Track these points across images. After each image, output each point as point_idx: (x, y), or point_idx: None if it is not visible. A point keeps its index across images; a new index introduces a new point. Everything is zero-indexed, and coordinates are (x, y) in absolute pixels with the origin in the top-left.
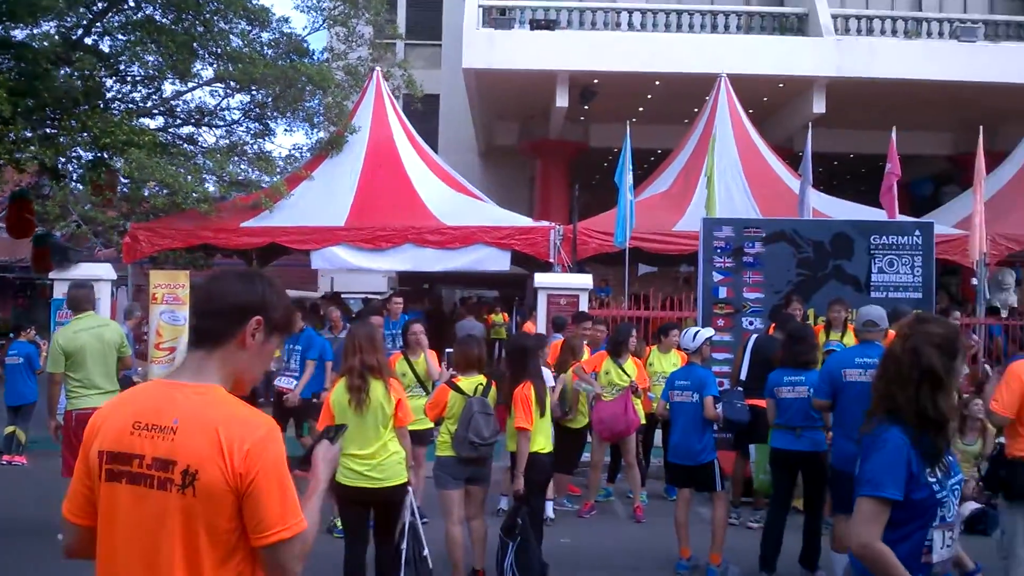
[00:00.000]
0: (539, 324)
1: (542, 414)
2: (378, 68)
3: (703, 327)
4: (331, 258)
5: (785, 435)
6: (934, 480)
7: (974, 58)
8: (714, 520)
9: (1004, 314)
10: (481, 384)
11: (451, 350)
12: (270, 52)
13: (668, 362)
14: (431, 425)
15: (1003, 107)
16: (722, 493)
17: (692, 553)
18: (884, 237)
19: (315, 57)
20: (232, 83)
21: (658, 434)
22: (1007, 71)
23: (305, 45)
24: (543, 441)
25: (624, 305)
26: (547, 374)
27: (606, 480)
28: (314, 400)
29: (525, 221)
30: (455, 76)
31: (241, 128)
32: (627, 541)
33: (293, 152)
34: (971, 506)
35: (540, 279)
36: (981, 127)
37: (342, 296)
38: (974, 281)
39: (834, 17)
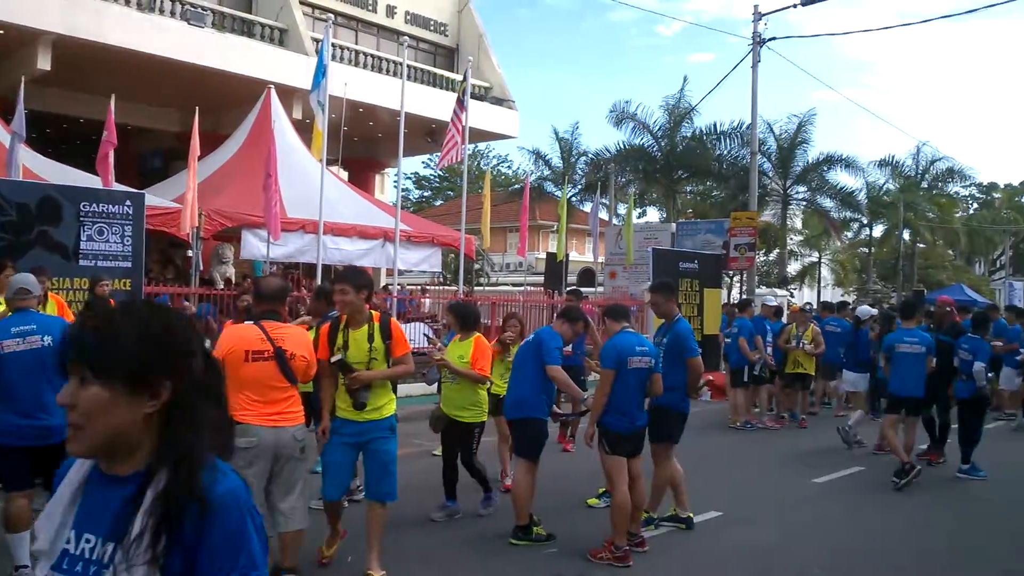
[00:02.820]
0: None
1: None
2: None
3: None
4: None
5: None
6: None
7: (201, 43)
8: None
9: (220, 285)
10: None
11: None
12: None
13: None
14: None
15: (226, 94)
16: None
17: None
18: (95, 205)
19: None
20: None
21: None
22: (229, 61)
23: None
24: None
25: None
26: None
27: None
28: None
29: None
30: None
31: None
32: None
33: None
34: None
35: None
36: (197, 108)
37: None
38: (189, 253)
39: None
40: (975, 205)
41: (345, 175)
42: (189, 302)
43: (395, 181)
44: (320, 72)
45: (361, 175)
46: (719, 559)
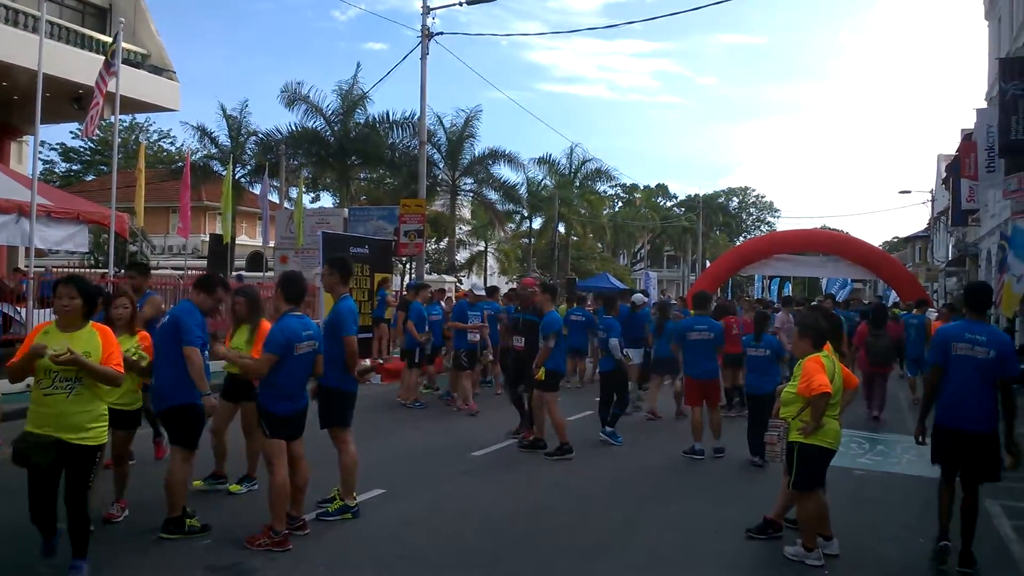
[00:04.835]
0: None
1: None
2: None
3: None
4: None
5: None
6: None
7: None
8: None
9: None
10: None
11: None
12: None
13: None
14: None
15: None
16: None
17: None
18: None
19: None
20: None
21: None
22: None
23: None
24: None
25: None
26: None
27: None
28: None
29: None
30: None
31: None
32: None
33: None
34: None
35: None
36: None
37: None
38: None
39: None
40: (620, 204)
41: None
42: None
43: (36, 149)
44: None
45: None
46: (378, 535)
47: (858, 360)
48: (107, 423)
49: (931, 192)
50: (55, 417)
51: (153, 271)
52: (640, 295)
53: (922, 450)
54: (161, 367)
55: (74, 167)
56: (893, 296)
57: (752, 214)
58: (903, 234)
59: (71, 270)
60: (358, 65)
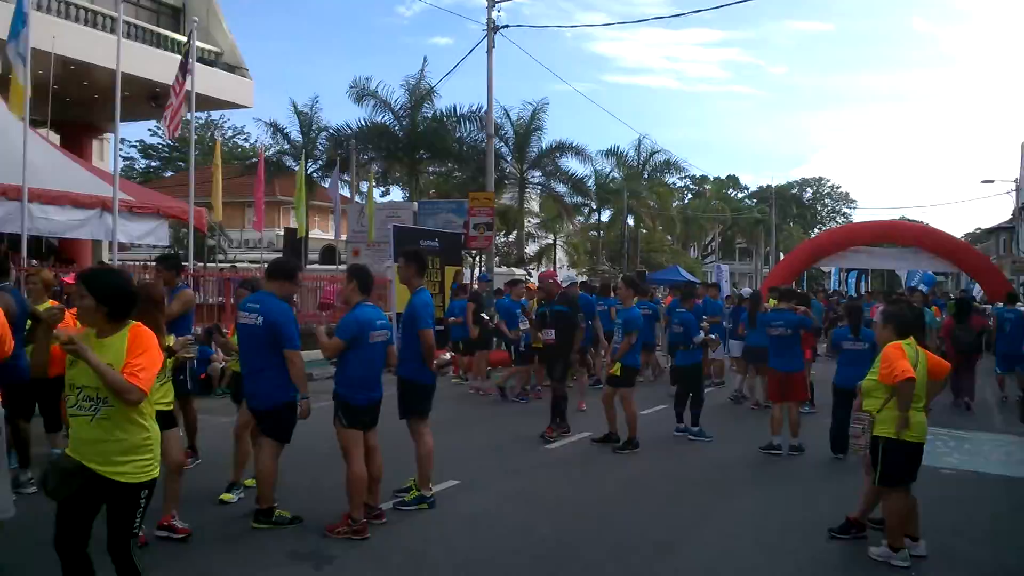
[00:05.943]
0: None
1: None
2: None
3: None
4: None
5: None
6: None
7: None
8: None
9: None
10: None
11: None
12: None
13: None
14: None
15: None
16: None
17: None
18: None
19: None
20: None
21: None
22: None
23: None
24: None
25: None
26: None
27: None
28: None
29: None
30: None
31: None
32: None
33: None
34: None
35: None
36: None
37: None
38: None
39: None
40: (689, 196)
41: (57, 139)
42: None
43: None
44: (19, 20)
45: (76, 140)
46: (455, 526)
47: (946, 353)
48: (156, 453)
49: (1015, 181)
50: (79, 443)
51: (233, 264)
52: (748, 290)
53: (1011, 449)
54: (261, 368)
55: (153, 164)
56: (977, 289)
57: (827, 205)
58: (986, 225)
59: (150, 263)
60: (424, 59)
